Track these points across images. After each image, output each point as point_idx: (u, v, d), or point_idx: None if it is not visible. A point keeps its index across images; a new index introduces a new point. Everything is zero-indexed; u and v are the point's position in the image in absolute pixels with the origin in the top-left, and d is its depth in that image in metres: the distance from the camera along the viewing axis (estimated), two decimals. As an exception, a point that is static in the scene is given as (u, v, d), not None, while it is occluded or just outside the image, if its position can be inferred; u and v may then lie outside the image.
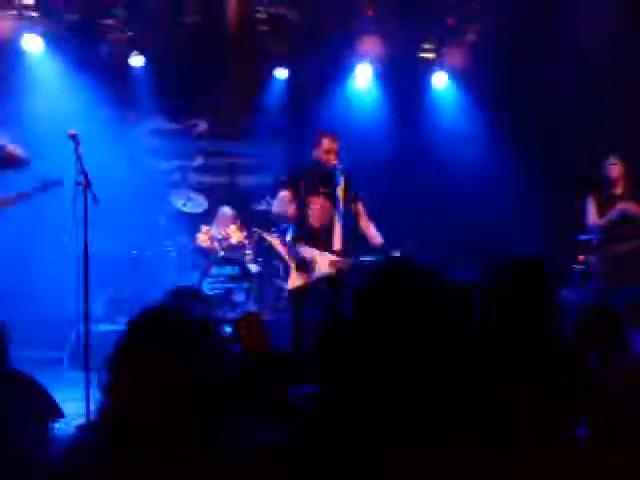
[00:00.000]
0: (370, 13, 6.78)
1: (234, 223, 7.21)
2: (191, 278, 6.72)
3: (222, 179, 7.68)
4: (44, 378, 2.81)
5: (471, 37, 7.32)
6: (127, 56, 6.76)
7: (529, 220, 7.00)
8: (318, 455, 1.23)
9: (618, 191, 5.69)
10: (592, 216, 5.72)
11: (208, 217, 7.19)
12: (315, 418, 1.32)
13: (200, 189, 7.40)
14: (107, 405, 1.40)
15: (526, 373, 1.66)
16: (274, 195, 7.53)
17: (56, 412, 3.53)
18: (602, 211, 5.69)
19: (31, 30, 6.32)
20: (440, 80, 7.62)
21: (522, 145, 6.85)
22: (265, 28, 6.87)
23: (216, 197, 7.37)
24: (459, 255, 6.35)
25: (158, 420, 1.35)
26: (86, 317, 3.41)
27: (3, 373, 2.79)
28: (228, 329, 3.13)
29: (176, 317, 1.45)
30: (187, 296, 2.71)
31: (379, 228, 4.82)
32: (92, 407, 3.49)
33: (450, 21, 7.19)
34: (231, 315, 5.59)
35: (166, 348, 1.39)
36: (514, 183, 6.85)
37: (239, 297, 6.68)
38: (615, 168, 5.66)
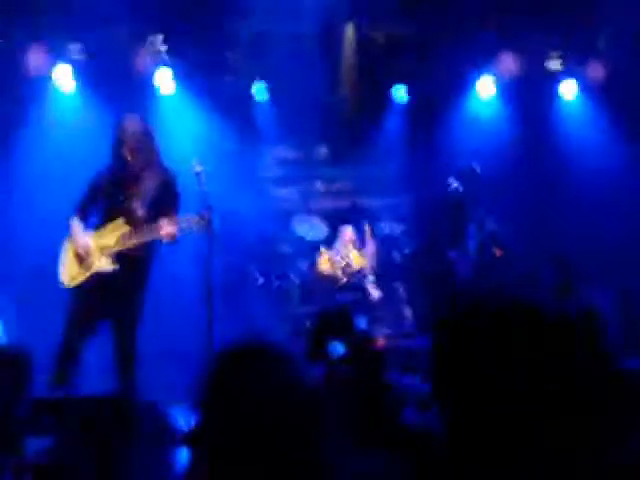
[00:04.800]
0: None
1: (355, 247, 7.11)
2: (314, 306, 6.67)
3: (344, 203, 7.61)
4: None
5: (601, 45, 6.92)
6: (249, 87, 6.90)
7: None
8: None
9: None
10: None
11: (329, 242, 7.14)
12: (433, 446, 1.16)
13: (322, 214, 7.37)
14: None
15: None
16: (397, 218, 7.43)
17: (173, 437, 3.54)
18: None
19: (163, 65, 6.51)
20: (569, 90, 7.25)
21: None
22: (381, 48, 6.81)
23: (338, 221, 7.30)
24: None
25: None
26: (211, 347, 3.41)
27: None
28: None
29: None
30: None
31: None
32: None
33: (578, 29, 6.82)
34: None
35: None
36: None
37: (361, 324, 6.56)
38: None
